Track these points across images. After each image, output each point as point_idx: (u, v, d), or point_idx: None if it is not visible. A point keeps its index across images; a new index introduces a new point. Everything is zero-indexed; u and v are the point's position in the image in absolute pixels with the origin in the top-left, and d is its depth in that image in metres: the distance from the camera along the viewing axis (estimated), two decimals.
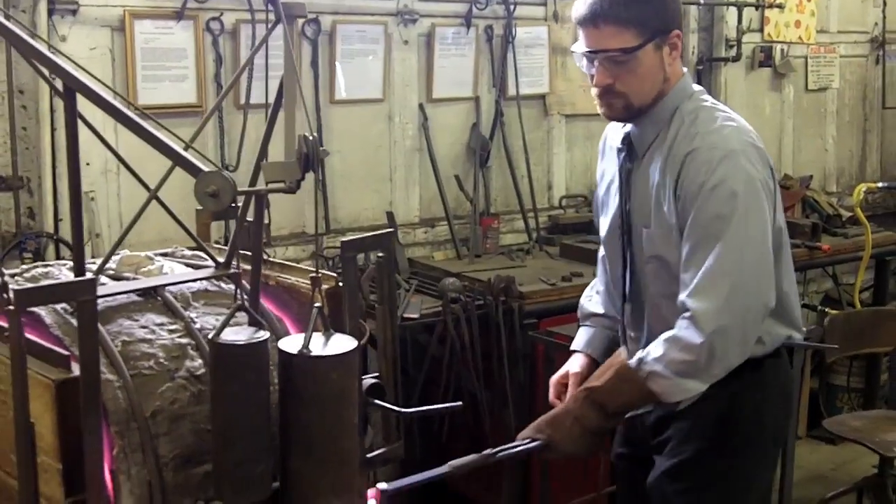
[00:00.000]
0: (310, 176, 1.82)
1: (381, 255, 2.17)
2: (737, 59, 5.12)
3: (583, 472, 3.82)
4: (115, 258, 2.15)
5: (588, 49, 2.18)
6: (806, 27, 5.63)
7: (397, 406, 2.01)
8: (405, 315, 3.49)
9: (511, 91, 4.51)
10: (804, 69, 5.71)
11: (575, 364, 2.45)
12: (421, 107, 4.29)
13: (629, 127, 2.29)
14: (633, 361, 2.14)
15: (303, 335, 1.77)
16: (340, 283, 2.04)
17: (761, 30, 5.41)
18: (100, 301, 1.75)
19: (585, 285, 2.66)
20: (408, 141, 4.30)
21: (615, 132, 2.38)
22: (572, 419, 2.17)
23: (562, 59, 4.68)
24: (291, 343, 1.78)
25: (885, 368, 4.89)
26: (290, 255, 3.83)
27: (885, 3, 6.10)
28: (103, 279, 2.03)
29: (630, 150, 2.29)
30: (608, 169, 2.42)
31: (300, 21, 3.58)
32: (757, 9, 5.28)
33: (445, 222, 4.38)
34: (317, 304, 1.81)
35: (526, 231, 4.59)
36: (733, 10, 5.11)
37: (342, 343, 1.79)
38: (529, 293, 3.78)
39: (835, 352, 3.99)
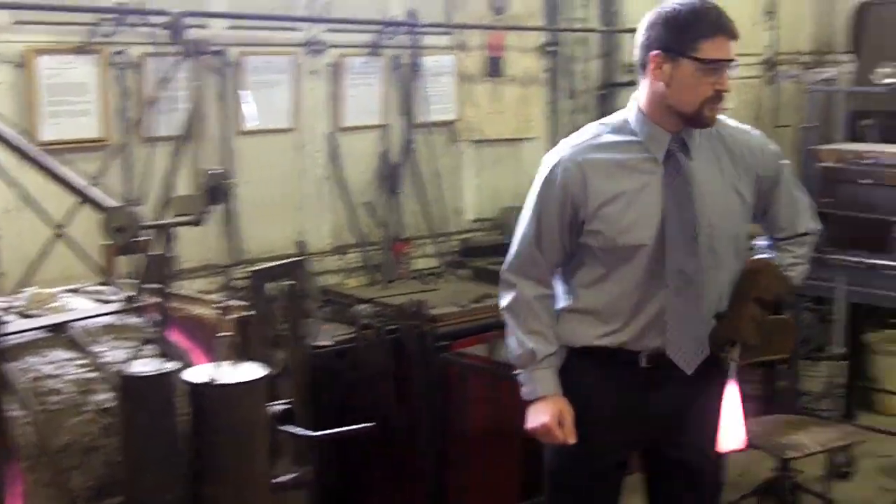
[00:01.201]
0: (220, 207, 1.87)
1: (290, 283, 2.23)
2: (635, 83, 5.29)
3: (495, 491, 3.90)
4: (23, 295, 2.16)
5: (733, 58, 2.46)
6: None
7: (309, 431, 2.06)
8: (318, 343, 3.53)
9: (420, 118, 4.60)
10: None
11: (561, 403, 2.58)
12: (331, 135, 4.35)
13: (616, 137, 2.56)
14: (776, 262, 2.65)
15: (212, 364, 1.81)
16: (249, 313, 2.09)
17: None
18: (8, 339, 1.77)
19: (496, 307, 2.72)
20: (318, 169, 4.35)
21: (595, 146, 2.56)
22: (748, 318, 2.54)
23: (469, 87, 4.79)
24: (200, 372, 1.82)
25: (781, 376, 5.09)
26: (199, 287, 3.83)
27: (776, 27, 6.37)
28: (10, 317, 2.04)
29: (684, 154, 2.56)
30: (618, 184, 2.53)
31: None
32: None
33: (357, 249, 4.44)
34: (225, 334, 1.86)
35: (438, 255, 4.67)
36: (631, 37, 5.28)
37: (250, 371, 1.84)
38: (441, 316, 3.85)
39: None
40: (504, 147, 5.02)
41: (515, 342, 2.60)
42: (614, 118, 2.60)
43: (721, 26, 2.45)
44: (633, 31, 5.20)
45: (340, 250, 4.45)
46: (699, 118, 2.48)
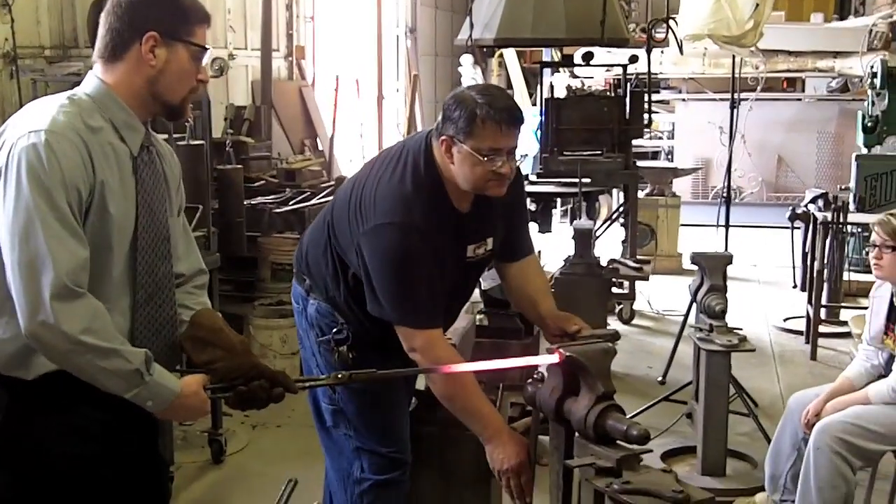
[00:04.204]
0: None
1: None
2: None
3: None
4: None
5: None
6: None
7: None
8: None
9: None
10: None
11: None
12: None
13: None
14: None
15: None
16: None
17: None
18: None
19: None
20: None
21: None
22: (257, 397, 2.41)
23: None
24: None
25: None
26: None
27: (13, 20, 6.18)
28: None
29: None
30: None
31: None
32: None
33: None
34: None
35: None
36: None
37: None
38: None
39: None
40: None
41: (118, 362, 2.16)
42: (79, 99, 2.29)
43: (207, 13, 2.35)
44: None
45: None
46: (182, 110, 2.37)
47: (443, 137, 2.84)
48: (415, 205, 2.83)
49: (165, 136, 2.53)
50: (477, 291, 4.61)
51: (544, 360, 2.57)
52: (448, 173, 2.87)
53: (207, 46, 2.34)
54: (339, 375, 2.53)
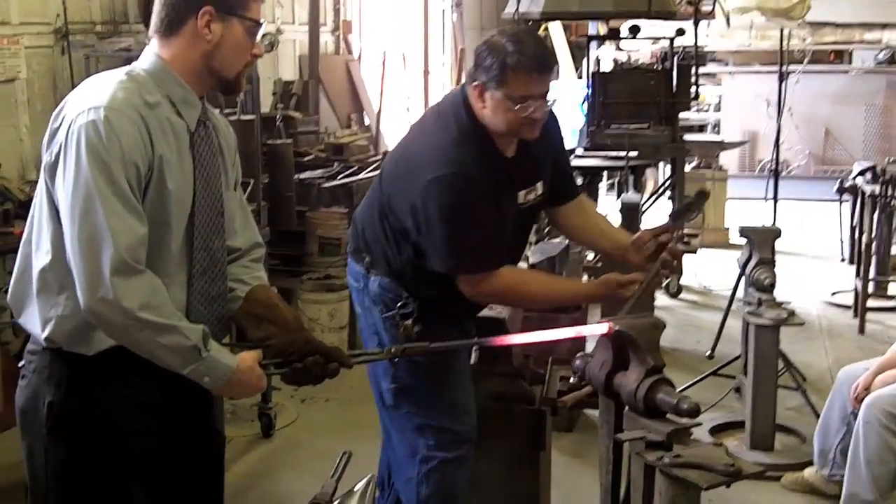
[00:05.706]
0: None
1: None
2: None
3: None
4: None
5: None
6: None
7: None
8: None
9: None
10: None
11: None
12: None
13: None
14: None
15: None
16: None
17: None
18: None
19: None
20: None
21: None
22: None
23: None
24: None
25: None
26: None
27: None
28: None
29: None
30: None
31: None
32: None
33: None
34: None
35: None
36: None
37: None
38: None
39: None
40: None
41: (176, 338, 2.16)
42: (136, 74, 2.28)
43: None
44: None
45: None
46: (237, 84, 2.36)
47: (475, 83, 2.86)
48: (464, 153, 2.86)
49: (217, 111, 2.53)
50: (525, 265, 4.62)
51: (593, 329, 2.59)
52: (485, 119, 2.90)
53: (262, 21, 2.34)
54: (392, 349, 2.57)
